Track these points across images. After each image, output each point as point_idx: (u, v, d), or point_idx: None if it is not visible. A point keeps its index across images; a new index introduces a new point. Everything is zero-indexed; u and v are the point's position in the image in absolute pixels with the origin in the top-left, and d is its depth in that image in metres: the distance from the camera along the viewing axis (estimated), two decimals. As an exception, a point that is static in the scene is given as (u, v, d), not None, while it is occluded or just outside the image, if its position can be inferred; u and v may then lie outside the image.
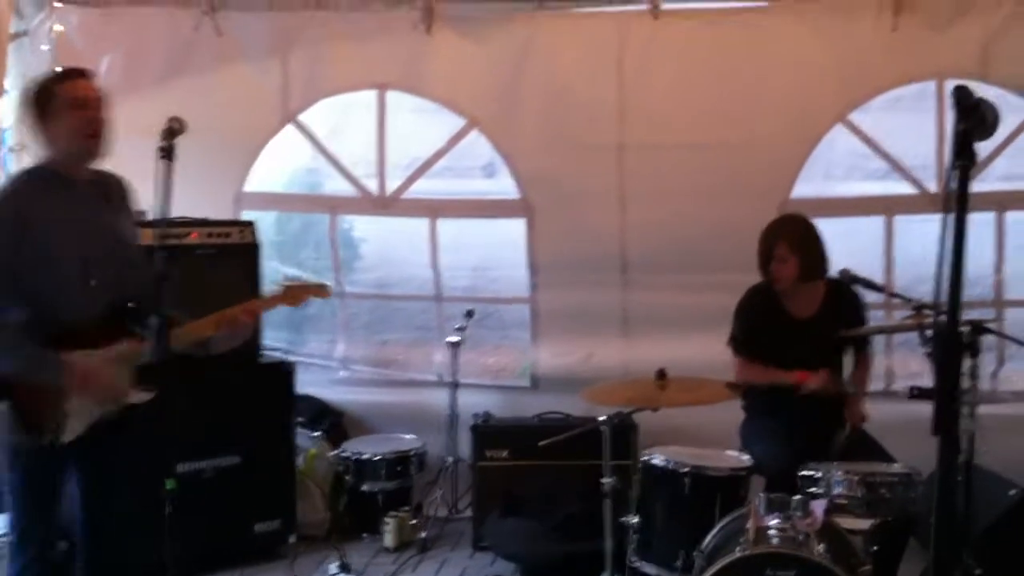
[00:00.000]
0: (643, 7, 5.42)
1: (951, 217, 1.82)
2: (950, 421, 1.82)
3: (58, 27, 5.67)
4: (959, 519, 1.98)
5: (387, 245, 6.37)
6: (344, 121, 5.96)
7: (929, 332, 3.40)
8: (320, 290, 3.80)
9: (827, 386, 4.15)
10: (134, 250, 3.46)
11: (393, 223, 6.05)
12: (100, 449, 3.31)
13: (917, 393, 2.42)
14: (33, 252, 3.21)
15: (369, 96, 5.82)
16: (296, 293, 3.72)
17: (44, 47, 5.66)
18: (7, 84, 5.62)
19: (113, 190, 3.50)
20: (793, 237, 4.26)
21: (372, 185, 5.91)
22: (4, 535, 4.52)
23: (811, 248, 4.29)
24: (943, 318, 1.82)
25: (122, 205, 3.52)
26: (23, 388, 3.20)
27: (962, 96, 1.96)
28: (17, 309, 3.17)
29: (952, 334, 1.83)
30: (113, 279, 3.33)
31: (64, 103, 3.29)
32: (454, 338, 5.57)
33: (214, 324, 3.44)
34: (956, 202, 1.80)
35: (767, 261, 4.29)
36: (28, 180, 3.37)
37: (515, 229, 5.78)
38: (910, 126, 5.37)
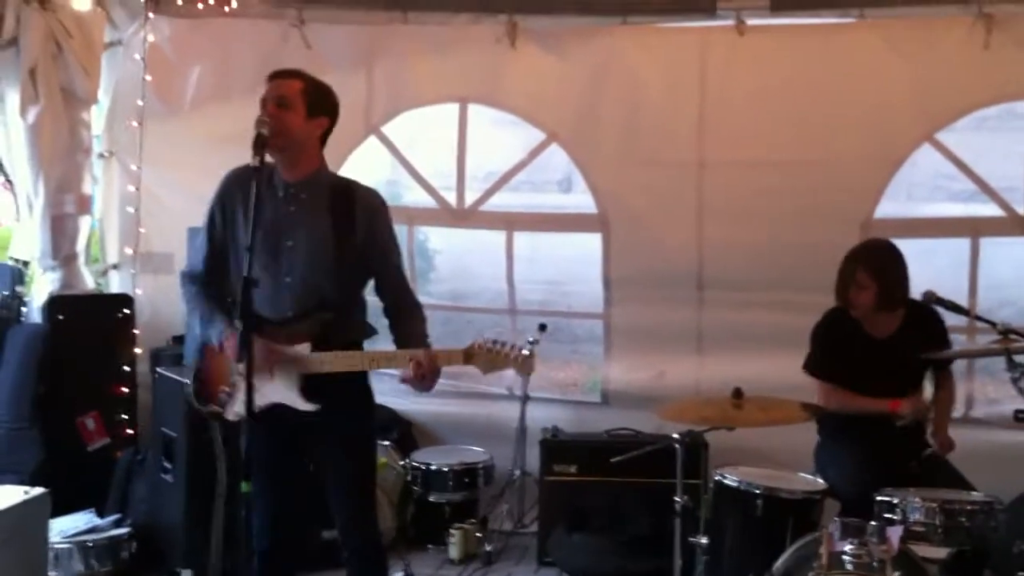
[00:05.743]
0: (728, 23, 5.37)
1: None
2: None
3: (151, 37, 5.80)
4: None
5: (462, 257, 6.40)
6: (424, 133, 6.01)
7: (1018, 358, 3.32)
8: (524, 365, 3.40)
9: (920, 411, 4.05)
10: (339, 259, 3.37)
11: (468, 235, 6.09)
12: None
13: (1023, 416, 2.32)
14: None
15: (450, 109, 5.87)
16: (491, 359, 3.32)
17: (137, 56, 5.81)
18: (100, 92, 5.81)
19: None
20: (874, 264, 4.14)
21: (450, 197, 5.95)
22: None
23: (891, 276, 4.15)
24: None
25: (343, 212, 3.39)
26: (207, 357, 3.43)
27: None
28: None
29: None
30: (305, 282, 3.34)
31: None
32: (526, 351, 5.54)
33: (366, 360, 3.36)
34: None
35: (846, 287, 4.19)
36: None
37: (591, 244, 5.77)
38: (997, 147, 5.27)
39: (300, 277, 3.33)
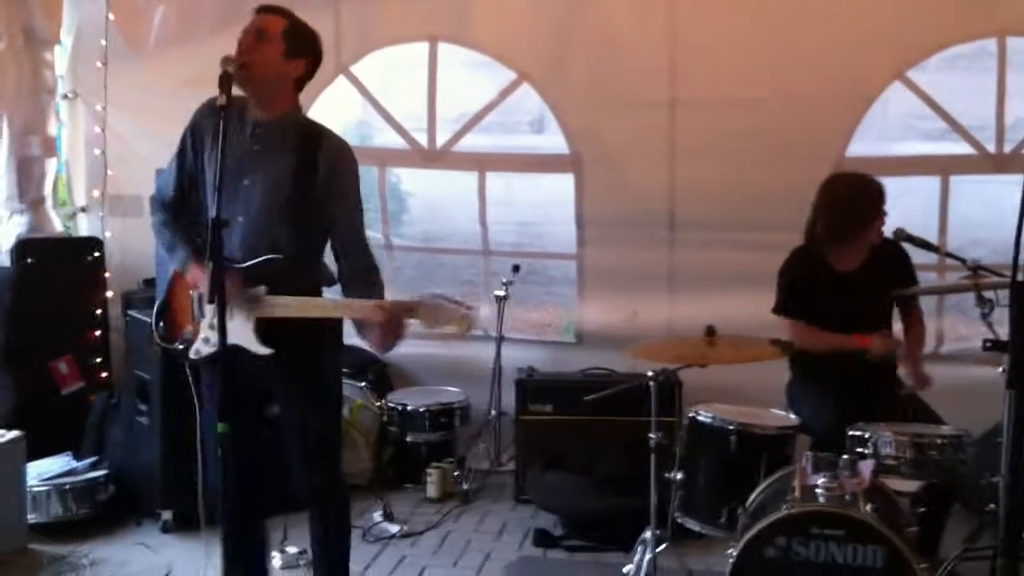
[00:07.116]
0: (699, -41, 5.31)
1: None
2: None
3: (114, -25, 5.68)
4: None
5: (434, 199, 6.36)
6: (394, 73, 5.94)
7: (987, 293, 3.35)
8: (462, 323, 3.14)
9: (891, 348, 4.06)
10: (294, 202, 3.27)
11: (440, 177, 6.04)
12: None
13: (991, 346, 2.35)
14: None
15: (420, 49, 5.80)
16: (433, 316, 3.15)
17: (100, -3, 5.69)
18: (63, 32, 5.69)
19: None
20: (883, 195, 4.16)
21: (421, 138, 5.90)
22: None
23: None
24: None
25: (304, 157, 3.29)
26: (174, 294, 3.40)
27: None
28: None
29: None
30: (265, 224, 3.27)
31: None
32: (500, 292, 5.57)
33: (318, 308, 3.31)
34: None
35: (867, 222, 4.12)
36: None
37: (563, 185, 5.76)
38: (968, 85, 5.25)
39: (251, 218, 3.25)
